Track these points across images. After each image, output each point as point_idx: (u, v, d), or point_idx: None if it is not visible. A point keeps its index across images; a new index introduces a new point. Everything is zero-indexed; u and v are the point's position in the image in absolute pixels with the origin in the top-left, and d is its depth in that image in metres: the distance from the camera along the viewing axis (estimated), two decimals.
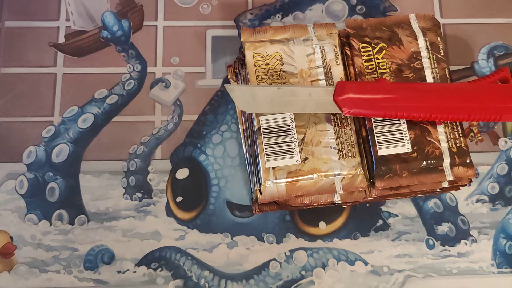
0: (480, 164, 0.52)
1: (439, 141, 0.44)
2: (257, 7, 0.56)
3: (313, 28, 0.48)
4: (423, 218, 0.50)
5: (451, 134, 0.44)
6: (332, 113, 0.45)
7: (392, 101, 0.42)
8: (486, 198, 0.51)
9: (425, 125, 0.44)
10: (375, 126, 0.44)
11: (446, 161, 0.44)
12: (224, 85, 0.46)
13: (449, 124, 0.45)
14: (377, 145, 0.44)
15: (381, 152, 0.44)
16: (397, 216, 0.50)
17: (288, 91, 0.43)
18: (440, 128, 0.44)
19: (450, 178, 0.44)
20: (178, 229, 0.49)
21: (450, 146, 0.44)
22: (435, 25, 0.48)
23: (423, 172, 0.44)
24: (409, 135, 0.44)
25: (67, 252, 0.48)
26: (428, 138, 0.44)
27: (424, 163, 0.44)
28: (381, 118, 0.44)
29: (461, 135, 0.44)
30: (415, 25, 0.48)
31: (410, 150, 0.44)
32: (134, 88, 0.53)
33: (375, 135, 0.44)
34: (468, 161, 0.44)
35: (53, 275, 0.48)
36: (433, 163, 0.44)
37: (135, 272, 0.48)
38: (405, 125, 0.44)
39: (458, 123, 0.45)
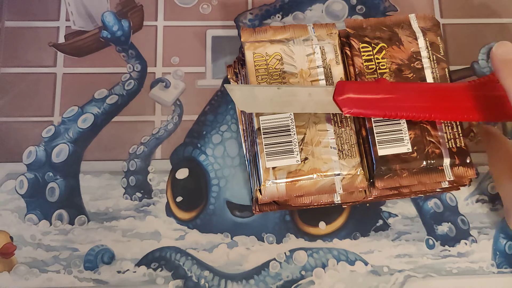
0: (480, 164, 0.52)
1: (439, 141, 0.44)
2: (257, 7, 0.56)
3: (313, 28, 0.48)
4: (423, 218, 0.50)
5: (451, 134, 0.44)
6: (332, 113, 0.45)
7: (392, 101, 0.42)
8: (486, 198, 0.51)
9: (425, 125, 0.44)
10: (375, 126, 0.44)
11: (446, 161, 0.44)
12: (224, 85, 0.46)
13: (449, 124, 0.45)
14: (377, 145, 0.44)
15: (381, 152, 0.44)
16: (397, 216, 0.50)
17: (288, 91, 0.43)
18: (440, 128, 0.44)
19: (450, 178, 0.44)
20: (178, 229, 0.49)
21: (450, 146, 0.44)
22: (435, 25, 0.48)
23: (423, 172, 0.44)
24: (409, 135, 0.44)
25: (67, 252, 0.48)
26: (428, 138, 0.44)
27: (424, 163, 0.43)
28: (381, 118, 0.44)
29: (461, 135, 0.44)
30: (415, 25, 0.48)
31: (410, 150, 0.44)
32: (134, 88, 0.53)
33: (375, 135, 0.44)
34: (468, 161, 0.44)
35: (53, 275, 0.48)
36: (433, 163, 0.44)
37: (135, 272, 0.48)
38: (405, 125, 0.44)
39: (458, 123, 0.45)
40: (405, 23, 0.48)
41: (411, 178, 0.43)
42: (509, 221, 0.47)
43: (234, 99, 0.43)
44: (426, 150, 0.44)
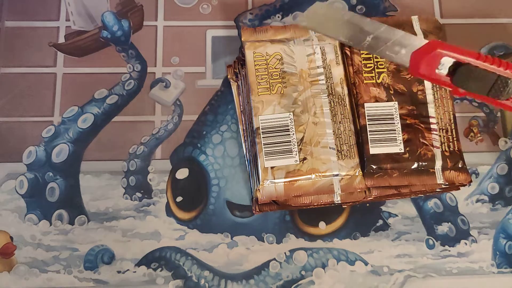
0: (480, 164, 0.51)
1: (432, 144, 0.44)
2: (257, 7, 0.56)
3: None
4: (423, 218, 0.50)
5: (445, 137, 0.44)
6: (332, 113, 0.45)
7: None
8: (486, 198, 0.51)
9: (419, 127, 0.44)
10: (368, 124, 0.44)
11: (438, 164, 0.44)
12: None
13: (443, 127, 0.44)
14: (369, 143, 0.44)
15: (373, 150, 0.43)
16: (397, 216, 0.50)
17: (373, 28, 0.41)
18: (434, 131, 0.44)
19: (441, 181, 0.44)
20: (178, 229, 0.49)
21: (443, 150, 0.44)
22: (437, 28, 0.48)
23: (414, 174, 0.43)
24: (403, 135, 0.44)
25: (67, 252, 0.48)
26: (422, 140, 0.44)
27: (416, 164, 0.43)
28: (379, 116, 0.44)
29: (455, 139, 0.44)
30: (416, 27, 0.47)
31: (402, 151, 0.43)
32: (134, 88, 0.53)
33: (368, 133, 0.44)
34: (460, 165, 0.44)
35: (53, 275, 0.48)
36: (425, 165, 0.43)
37: (135, 272, 0.48)
38: (399, 125, 0.44)
39: (453, 127, 0.44)
40: (407, 24, 0.48)
41: (401, 178, 0.43)
42: None
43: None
44: (419, 151, 0.44)
